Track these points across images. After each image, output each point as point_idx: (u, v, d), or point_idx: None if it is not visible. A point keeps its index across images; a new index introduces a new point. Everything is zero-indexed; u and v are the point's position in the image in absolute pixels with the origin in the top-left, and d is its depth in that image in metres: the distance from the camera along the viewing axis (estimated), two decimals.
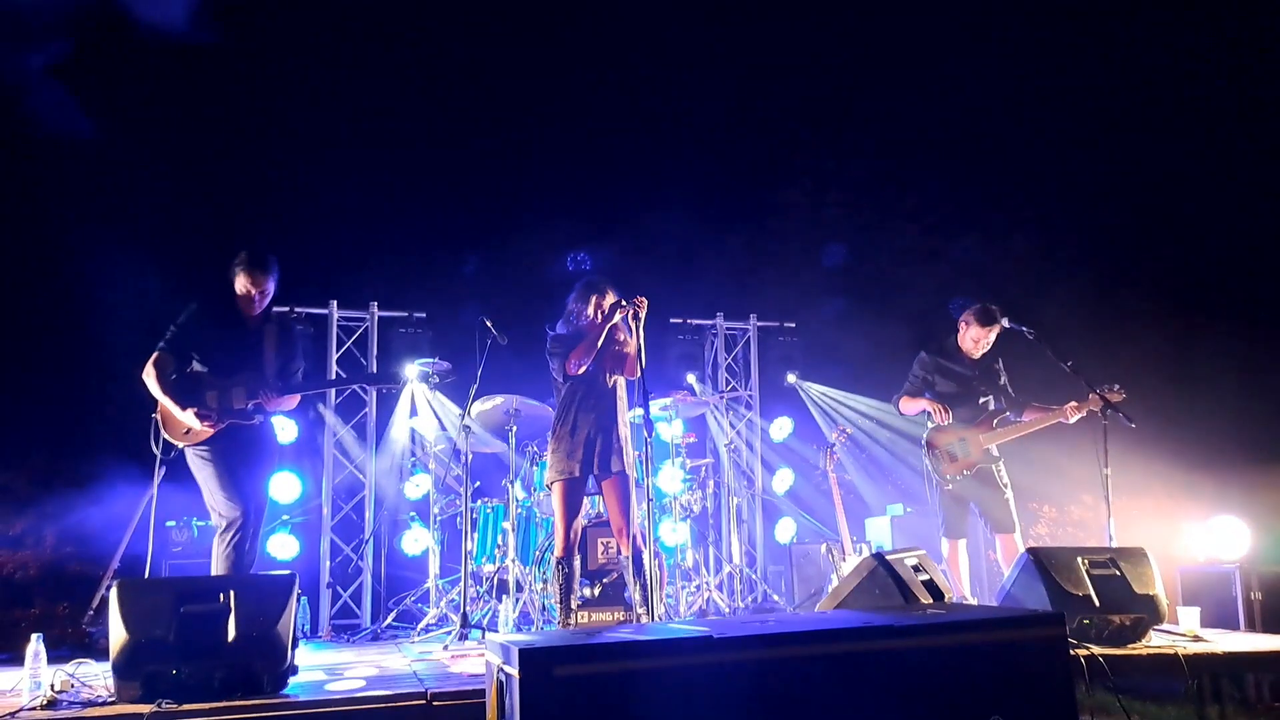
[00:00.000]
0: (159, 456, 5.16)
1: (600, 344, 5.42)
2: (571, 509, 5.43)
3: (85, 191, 9.12)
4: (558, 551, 5.45)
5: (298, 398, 5.59)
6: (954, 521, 6.46)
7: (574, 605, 5.54)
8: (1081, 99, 12.30)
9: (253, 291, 5.26)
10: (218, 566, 5.10)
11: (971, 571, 6.69)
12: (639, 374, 5.29)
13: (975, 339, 6.45)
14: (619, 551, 6.69)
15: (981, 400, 6.48)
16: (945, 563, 6.51)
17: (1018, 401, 6.44)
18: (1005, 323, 6.36)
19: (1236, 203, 11.56)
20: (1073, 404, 6.09)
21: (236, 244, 5.38)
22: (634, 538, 5.22)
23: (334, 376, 8.36)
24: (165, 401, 5.14)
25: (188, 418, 5.09)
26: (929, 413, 6.51)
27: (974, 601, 6.45)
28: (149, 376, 5.18)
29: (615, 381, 5.56)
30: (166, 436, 5.17)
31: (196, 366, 5.21)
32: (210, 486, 5.19)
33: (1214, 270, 11.60)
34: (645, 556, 4.95)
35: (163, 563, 6.71)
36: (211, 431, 5.14)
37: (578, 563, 5.69)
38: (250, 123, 10.29)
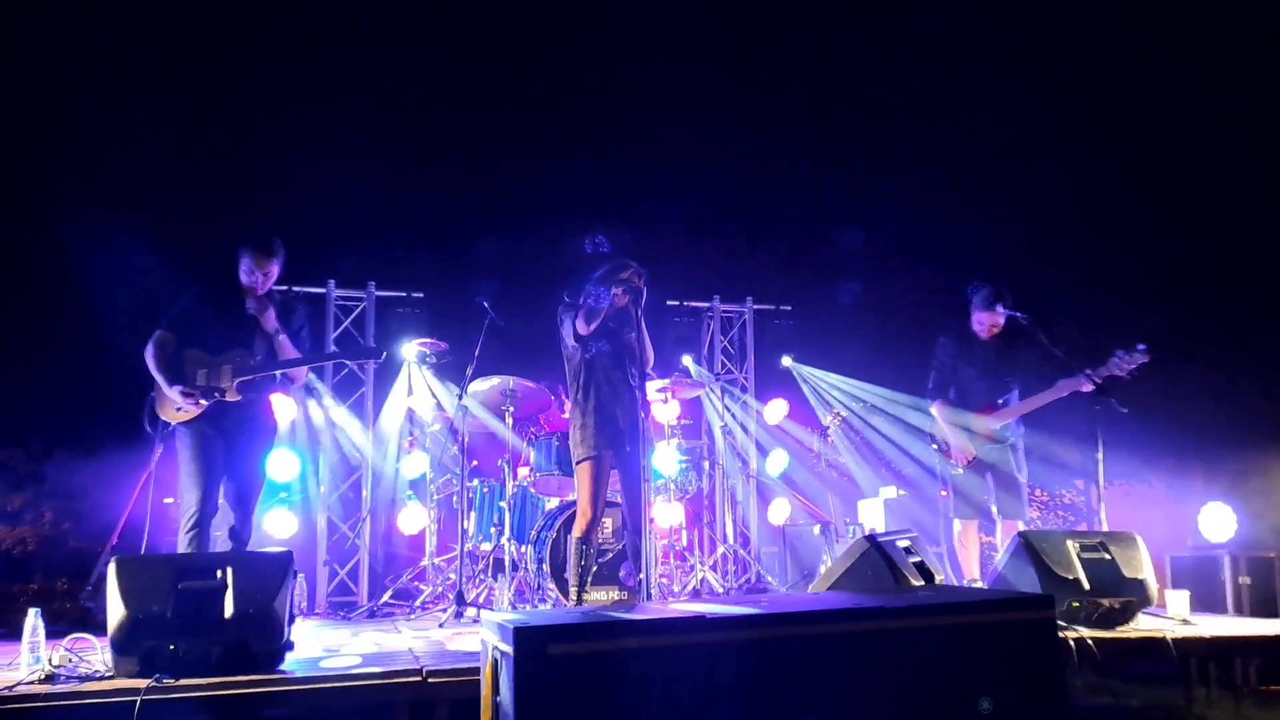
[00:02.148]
0: (154, 435, 5.19)
1: (601, 316, 5.42)
2: (600, 487, 5.44)
3: (83, 168, 9.09)
4: (580, 530, 5.45)
5: (304, 373, 5.58)
6: (966, 502, 6.43)
7: (589, 583, 5.56)
8: (1081, 83, 12.28)
9: (257, 273, 5.27)
10: (181, 551, 5.13)
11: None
12: (649, 364, 5.49)
13: (980, 321, 6.44)
14: (622, 531, 6.74)
15: (1005, 381, 6.43)
16: (956, 543, 6.53)
17: (1048, 378, 6.25)
18: (1000, 308, 6.37)
19: (1232, 192, 11.56)
20: (1065, 381, 6.07)
21: (235, 220, 5.41)
22: (639, 518, 5.23)
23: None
24: (158, 378, 5.18)
25: (174, 395, 5.12)
26: (936, 404, 6.51)
27: (983, 584, 6.46)
28: (148, 355, 5.21)
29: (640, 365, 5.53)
30: (160, 414, 5.20)
31: (195, 345, 5.24)
32: (182, 472, 5.21)
33: (1208, 257, 11.61)
34: (644, 539, 5.00)
35: (161, 540, 6.74)
36: (198, 410, 5.16)
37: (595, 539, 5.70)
38: (249, 99, 10.26)
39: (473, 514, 7.31)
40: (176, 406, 5.16)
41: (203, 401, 5.14)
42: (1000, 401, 6.37)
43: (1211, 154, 11.53)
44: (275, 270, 5.35)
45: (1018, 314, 6.21)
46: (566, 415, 6.57)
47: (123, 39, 9.39)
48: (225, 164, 10.11)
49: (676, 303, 9.62)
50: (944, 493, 6.66)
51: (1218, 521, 6.64)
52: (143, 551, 5.52)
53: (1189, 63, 11.62)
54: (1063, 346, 6.07)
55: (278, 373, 5.41)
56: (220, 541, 5.25)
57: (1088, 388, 5.93)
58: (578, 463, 5.51)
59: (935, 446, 6.57)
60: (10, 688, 3.63)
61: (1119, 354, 5.92)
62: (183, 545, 5.11)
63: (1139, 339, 5.99)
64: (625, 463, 5.44)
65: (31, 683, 3.73)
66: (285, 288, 8.25)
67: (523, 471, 7.28)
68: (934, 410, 6.57)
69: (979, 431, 6.35)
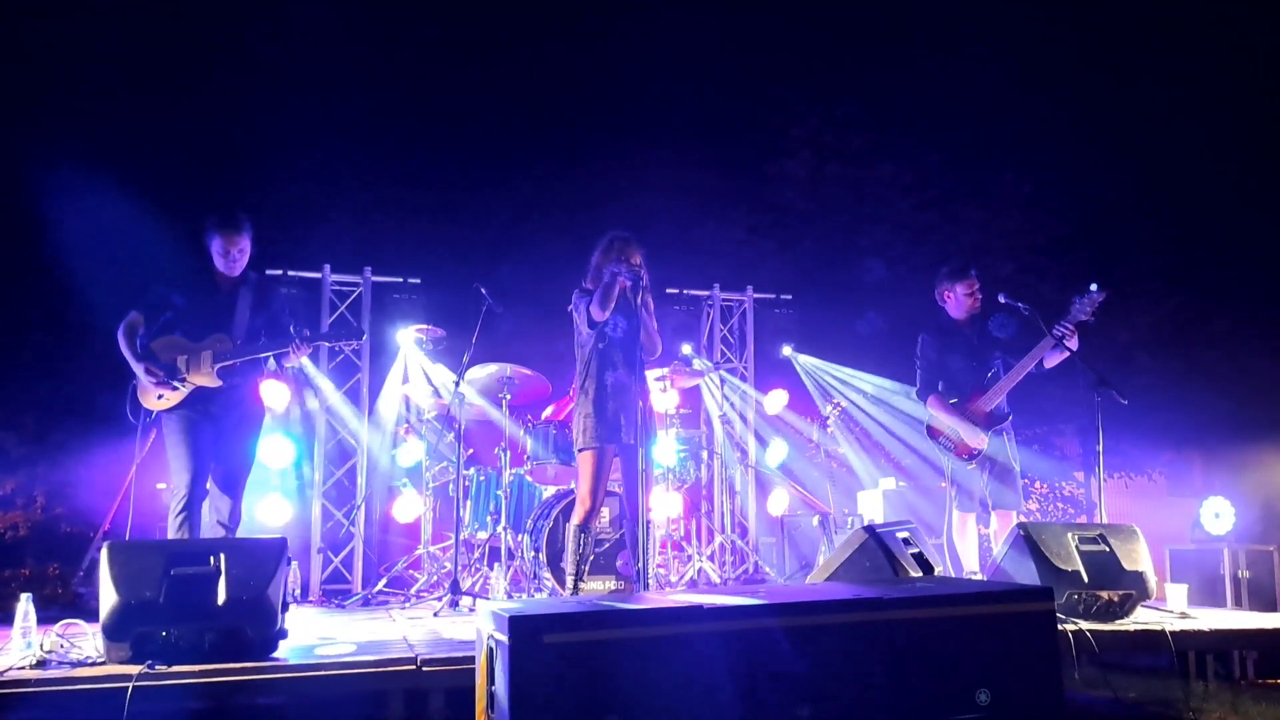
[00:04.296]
0: (137, 424, 5.16)
1: (614, 296, 5.37)
2: (601, 477, 5.38)
3: (76, 154, 9.06)
4: (579, 517, 5.40)
5: (303, 354, 5.50)
6: (969, 494, 6.36)
7: (586, 572, 5.52)
8: (1079, 73, 12.26)
9: (231, 250, 5.21)
10: (171, 536, 5.11)
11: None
12: (657, 352, 5.51)
13: (950, 294, 6.41)
14: (620, 520, 6.72)
15: (989, 362, 6.33)
16: (955, 535, 6.48)
17: (1027, 349, 6.17)
18: (1002, 298, 6.32)
19: (1233, 187, 11.55)
20: (1038, 344, 6.01)
21: (230, 205, 5.35)
22: (641, 509, 5.18)
23: None
24: (127, 356, 5.14)
25: (139, 371, 5.09)
26: (930, 400, 6.45)
27: (982, 577, 6.42)
28: (120, 335, 5.18)
29: (641, 354, 5.47)
30: (143, 402, 5.17)
31: (175, 332, 5.20)
32: (170, 456, 5.19)
33: (1210, 253, 11.61)
34: (640, 528, 4.97)
35: (149, 526, 6.71)
36: (177, 397, 5.13)
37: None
38: (244, 85, 10.22)
39: (469, 502, 7.27)
40: (158, 394, 5.13)
41: (177, 385, 5.10)
42: (989, 375, 6.31)
43: (1217, 146, 11.50)
44: (247, 245, 5.27)
45: (1019, 304, 6.17)
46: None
47: (116, 22, 9.34)
48: (221, 150, 10.08)
49: (676, 291, 9.57)
50: (944, 484, 6.61)
51: (1218, 514, 6.63)
52: (127, 538, 5.49)
53: (1199, 49, 11.58)
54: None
55: (263, 357, 5.35)
56: (210, 526, 5.22)
57: (1061, 339, 5.91)
58: (580, 451, 5.47)
59: (939, 444, 6.50)
60: (1, 673, 3.61)
61: (1076, 300, 5.90)
62: (173, 530, 5.09)
63: (1141, 331, 5.96)
64: (626, 452, 5.41)
65: (22, 668, 3.71)
66: (280, 271, 8.24)
67: (519, 460, 7.24)
68: (930, 407, 6.52)
69: (976, 417, 6.29)
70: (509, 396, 7.16)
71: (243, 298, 5.34)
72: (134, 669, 3.59)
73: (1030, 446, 6.57)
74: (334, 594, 7.66)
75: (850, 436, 9.54)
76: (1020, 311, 6.14)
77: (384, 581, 7.36)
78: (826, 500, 8.50)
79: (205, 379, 5.17)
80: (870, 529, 4.72)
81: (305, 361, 7.62)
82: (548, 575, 6.49)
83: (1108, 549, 4.95)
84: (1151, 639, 4.67)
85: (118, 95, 8.99)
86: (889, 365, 9.29)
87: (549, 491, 7.19)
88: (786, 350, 9.52)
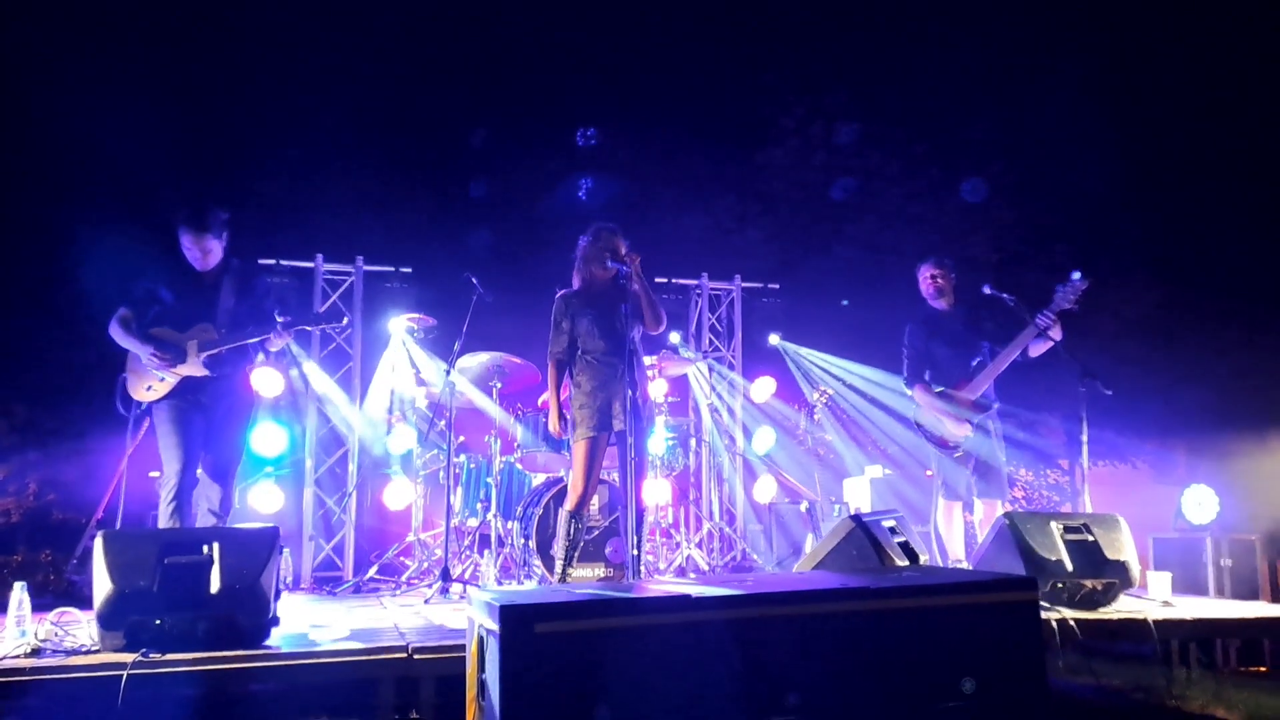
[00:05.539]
0: (128, 416, 5.18)
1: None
2: (594, 465, 5.41)
3: (64, 143, 9.02)
4: (572, 504, 5.43)
5: (285, 340, 5.50)
6: (956, 483, 6.44)
7: (575, 558, 5.56)
8: (1066, 63, 12.28)
9: (194, 249, 5.22)
10: (162, 524, 5.14)
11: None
12: (661, 324, 5.40)
13: (925, 278, 6.49)
14: (610, 508, 6.76)
15: (974, 350, 6.40)
16: (941, 524, 6.53)
17: (1012, 337, 6.22)
18: (987, 289, 6.37)
19: (1219, 178, 11.59)
20: (1023, 333, 6.07)
21: (223, 196, 5.35)
22: (639, 497, 5.19)
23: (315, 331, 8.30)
24: (130, 344, 5.18)
25: (145, 355, 5.12)
26: (917, 389, 6.50)
27: (968, 565, 6.47)
28: (114, 331, 5.23)
29: (636, 334, 5.43)
30: (132, 395, 5.19)
31: (161, 323, 5.23)
32: (161, 445, 5.22)
33: (1195, 244, 11.66)
34: (630, 515, 5.00)
35: (147, 514, 6.71)
36: (167, 389, 5.15)
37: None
38: (236, 73, 10.18)
39: (459, 489, 7.31)
40: (148, 385, 5.14)
41: (179, 369, 5.12)
42: (975, 364, 6.36)
43: (1204, 138, 11.54)
44: (214, 246, 5.26)
45: (1003, 294, 6.22)
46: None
47: (108, 13, 9.30)
48: (212, 139, 10.04)
49: (664, 279, 9.59)
50: (929, 473, 6.66)
51: (1200, 503, 6.69)
52: (118, 527, 5.50)
53: (1188, 41, 11.60)
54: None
55: (251, 345, 5.36)
56: (201, 515, 5.24)
57: (1044, 328, 5.96)
58: (573, 440, 5.50)
59: (925, 432, 6.56)
60: None
61: (1059, 288, 5.96)
62: (164, 518, 5.11)
63: (1126, 322, 6.00)
64: (620, 440, 5.42)
65: (17, 656, 3.73)
66: (273, 261, 8.24)
67: (509, 447, 7.27)
68: (916, 396, 6.57)
69: (962, 405, 6.35)
70: (499, 385, 7.18)
71: (225, 285, 5.35)
72: (128, 657, 3.61)
73: (1016, 434, 6.60)
74: (325, 581, 7.69)
75: (837, 424, 9.59)
76: (1005, 301, 6.20)
77: (375, 569, 7.39)
78: (813, 488, 8.56)
79: (193, 369, 5.20)
80: (857, 518, 4.76)
81: (292, 346, 7.63)
82: (537, 562, 6.53)
83: (1091, 538, 5.00)
84: (1135, 627, 4.72)
85: (107, 85, 8.94)
86: (877, 354, 9.34)
87: (539, 479, 7.23)
88: (774, 339, 9.56)
